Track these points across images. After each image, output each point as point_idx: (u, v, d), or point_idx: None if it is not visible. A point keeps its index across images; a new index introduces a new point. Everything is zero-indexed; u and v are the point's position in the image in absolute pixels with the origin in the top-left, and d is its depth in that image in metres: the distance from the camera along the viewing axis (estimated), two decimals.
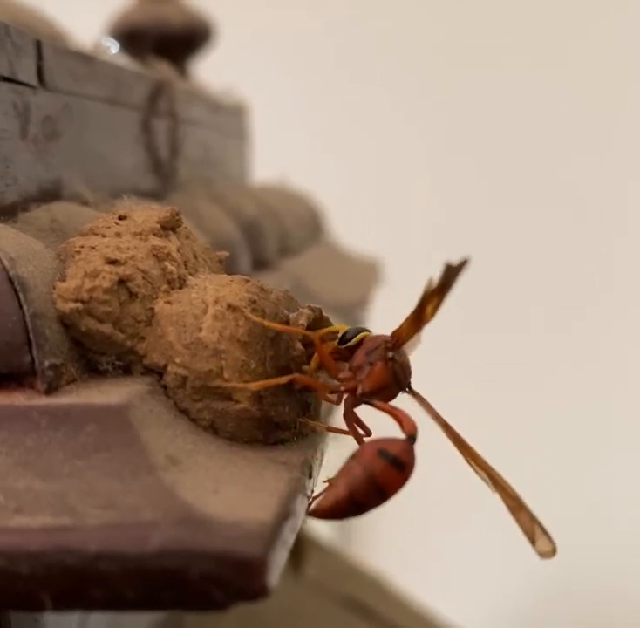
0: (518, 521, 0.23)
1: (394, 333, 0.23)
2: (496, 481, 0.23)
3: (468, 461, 0.24)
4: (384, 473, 0.21)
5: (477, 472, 0.23)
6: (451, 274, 0.21)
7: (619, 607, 0.92)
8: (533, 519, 0.23)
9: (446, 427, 0.23)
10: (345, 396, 0.23)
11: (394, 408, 0.22)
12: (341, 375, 0.23)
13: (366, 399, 0.23)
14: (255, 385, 0.21)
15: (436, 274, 0.22)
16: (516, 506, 0.23)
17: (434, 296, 0.22)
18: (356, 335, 0.23)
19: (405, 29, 0.97)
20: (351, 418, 0.23)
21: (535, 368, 0.97)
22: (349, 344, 0.23)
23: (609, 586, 0.95)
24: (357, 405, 0.23)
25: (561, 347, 0.98)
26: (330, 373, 0.23)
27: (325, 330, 0.23)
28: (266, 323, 0.22)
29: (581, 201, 0.97)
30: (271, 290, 0.23)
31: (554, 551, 0.23)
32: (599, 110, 0.96)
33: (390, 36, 0.97)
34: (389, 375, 0.23)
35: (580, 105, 0.96)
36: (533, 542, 0.23)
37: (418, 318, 0.22)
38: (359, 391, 0.23)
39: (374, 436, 0.23)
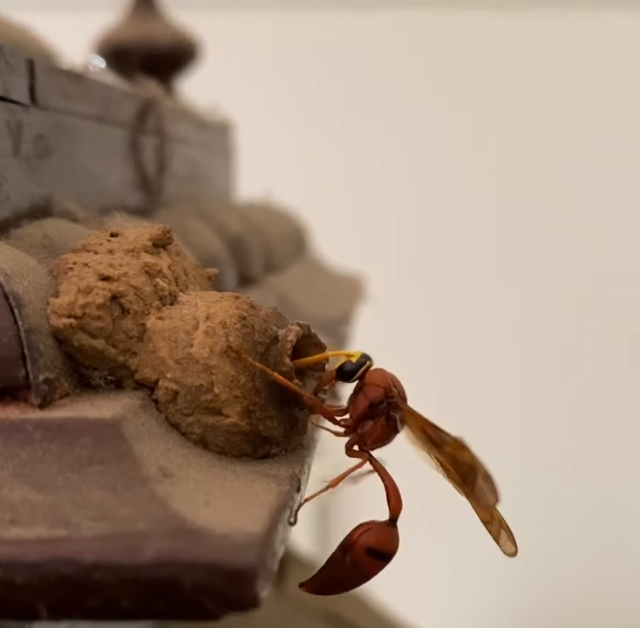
0: (488, 531, 0.24)
1: (406, 405, 0.23)
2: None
3: (448, 476, 0.24)
4: (372, 566, 0.23)
5: (455, 487, 0.24)
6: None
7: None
8: (501, 529, 0.24)
9: (433, 445, 0.24)
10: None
11: (389, 478, 0.24)
12: (343, 422, 0.24)
13: (367, 450, 0.24)
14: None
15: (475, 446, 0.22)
16: (488, 518, 0.24)
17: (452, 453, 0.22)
18: (356, 368, 0.23)
19: (390, 49, 0.98)
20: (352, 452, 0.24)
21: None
22: (352, 379, 0.24)
23: (586, 607, 0.95)
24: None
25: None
26: (330, 420, 0.24)
27: (313, 358, 0.23)
28: (290, 385, 0.22)
29: (567, 227, 0.99)
30: (260, 307, 0.23)
31: (515, 553, 0.24)
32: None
33: (375, 56, 0.98)
34: (391, 430, 0.24)
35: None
36: (499, 545, 0.24)
37: (431, 439, 0.23)
38: (361, 444, 0.24)
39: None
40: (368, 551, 0.23)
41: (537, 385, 0.99)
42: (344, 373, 0.24)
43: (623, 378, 0.99)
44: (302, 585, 0.24)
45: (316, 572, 0.24)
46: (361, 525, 0.23)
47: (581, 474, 0.99)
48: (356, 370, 0.23)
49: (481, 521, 0.24)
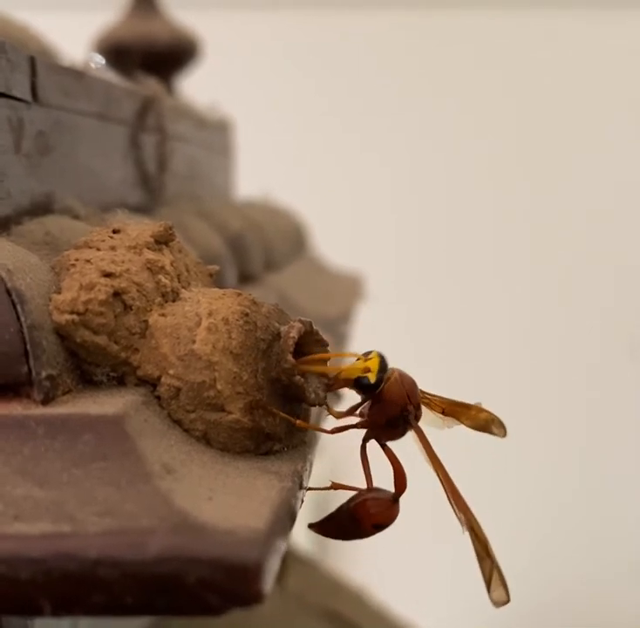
0: (481, 567, 0.25)
1: (417, 426, 0.25)
2: (472, 526, 0.25)
3: (450, 501, 0.25)
4: (372, 534, 0.25)
5: (456, 513, 0.25)
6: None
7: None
8: (494, 568, 0.24)
9: (439, 467, 0.25)
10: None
11: (397, 461, 0.25)
12: (359, 425, 0.25)
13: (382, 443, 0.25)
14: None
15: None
16: (483, 554, 0.24)
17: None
18: (377, 385, 0.23)
19: (390, 49, 0.98)
20: (365, 455, 0.25)
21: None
22: (370, 392, 0.24)
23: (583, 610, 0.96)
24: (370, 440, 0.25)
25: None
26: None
27: (316, 364, 0.23)
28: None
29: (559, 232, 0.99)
30: (263, 304, 0.23)
31: (506, 603, 0.25)
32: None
33: (375, 56, 0.98)
34: (405, 431, 0.25)
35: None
36: (489, 589, 0.24)
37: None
38: (377, 440, 0.25)
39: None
40: (374, 526, 0.25)
41: (537, 384, 0.99)
42: (363, 387, 0.24)
43: (624, 379, 0.99)
44: (310, 525, 0.25)
45: (323, 519, 0.25)
46: (368, 499, 0.24)
47: (581, 474, 0.99)
48: (376, 386, 0.24)
49: (476, 554, 0.24)
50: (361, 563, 0.90)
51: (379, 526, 0.25)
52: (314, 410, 0.25)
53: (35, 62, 0.28)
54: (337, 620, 0.58)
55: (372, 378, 0.23)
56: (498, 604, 0.25)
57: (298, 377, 0.22)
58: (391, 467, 0.25)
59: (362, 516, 0.25)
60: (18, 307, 0.20)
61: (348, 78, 0.98)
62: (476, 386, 0.96)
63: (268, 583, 0.17)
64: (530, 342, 0.99)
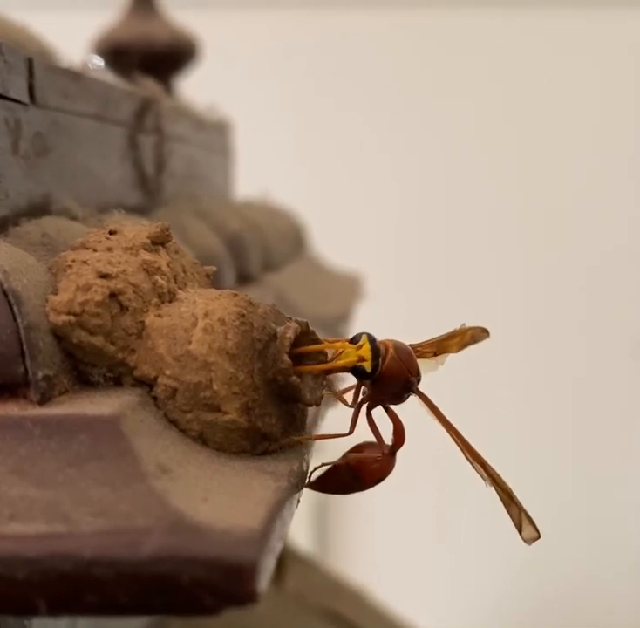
0: (509, 512, 0.25)
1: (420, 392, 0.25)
2: (492, 478, 0.25)
3: (466, 457, 0.25)
4: (371, 487, 0.25)
5: (474, 468, 0.25)
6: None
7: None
8: (521, 511, 0.25)
9: (449, 426, 0.25)
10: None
11: (397, 418, 0.25)
12: (362, 402, 0.25)
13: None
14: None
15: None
16: (508, 500, 0.25)
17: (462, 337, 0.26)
18: (373, 372, 0.24)
19: (391, 49, 0.98)
20: (371, 420, 0.25)
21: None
22: (369, 378, 0.24)
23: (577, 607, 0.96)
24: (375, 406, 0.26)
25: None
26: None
27: (316, 367, 0.23)
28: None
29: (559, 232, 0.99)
30: (259, 305, 0.23)
31: (537, 538, 0.25)
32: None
33: (374, 55, 0.98)
34: (407, 397, 0.25)
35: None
36: (520, 530, 0.25)
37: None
38: (380, 404, 0.25)
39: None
40: (377, 482, 0.25)
41: (538, 383, 0.99)
42: (360, 374, 0.24)
43: (625, 380, 0.99)
44: (309, 485, 0.25)
45: (321, 476, 0.25)
46: (368, 454, 0.25)
47: (581, 473, 0.99)
48: (373, 373, 0.24)
49: (502, 502, 0.25)
50: (361, 563, 0.90)
51: (379, 480, 0.25)
52: (310, 409, 0.25)
53: (32, 63, 0.28)
54: (337, 620, 0.58)
55: (368, 366, 0.24)
56: (529, 541, 0.25)
57: (294, 377, 0.22)
58: (390, 424, 0.25)
59: (362, 472, 0.25)
60: (15, 308, 0.20)
61: (347, 77, 0.98)
62: (476, 386, 0.97)
63: (264, 582, 0.17)
64: (531, 341, 0.99)
